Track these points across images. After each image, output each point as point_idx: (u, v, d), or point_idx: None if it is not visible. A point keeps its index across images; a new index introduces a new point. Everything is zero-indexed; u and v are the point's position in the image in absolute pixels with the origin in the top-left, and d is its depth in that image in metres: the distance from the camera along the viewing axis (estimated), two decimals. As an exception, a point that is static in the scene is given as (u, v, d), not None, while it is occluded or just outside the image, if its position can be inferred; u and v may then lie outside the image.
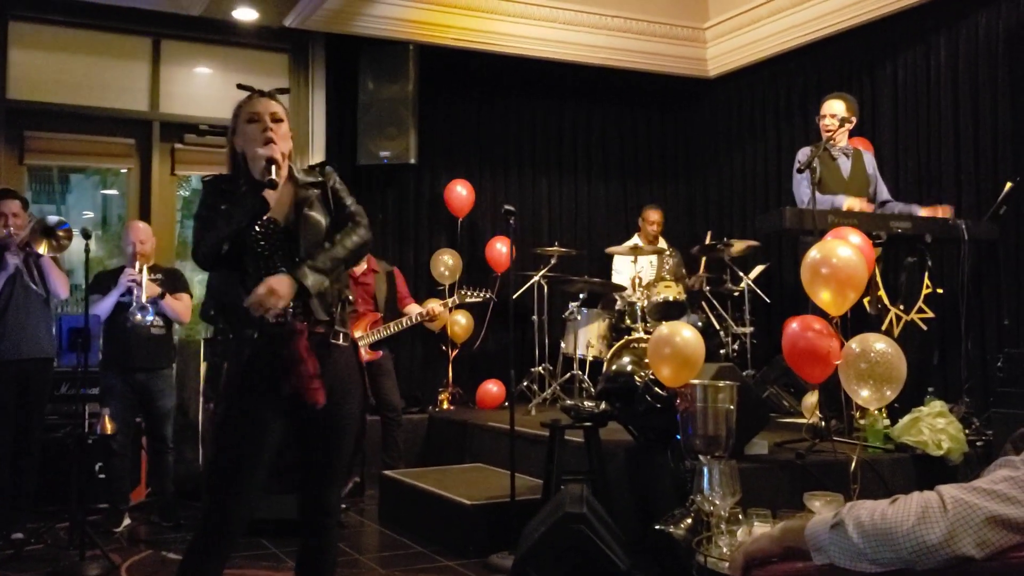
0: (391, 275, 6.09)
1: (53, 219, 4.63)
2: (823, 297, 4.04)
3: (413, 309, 6.00)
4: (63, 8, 6.27)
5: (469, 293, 6.14)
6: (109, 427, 4.75)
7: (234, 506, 2.45)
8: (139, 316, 4.86)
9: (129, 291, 4.93)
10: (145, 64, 6.67)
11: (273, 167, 2.52)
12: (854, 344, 3.89)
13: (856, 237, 4.39)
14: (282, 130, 2.62)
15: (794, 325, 4.15)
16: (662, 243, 7.21)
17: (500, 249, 7.19)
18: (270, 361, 2.46)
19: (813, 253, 4.05)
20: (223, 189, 2.61)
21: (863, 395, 3.85)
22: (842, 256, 3.98)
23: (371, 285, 5.94)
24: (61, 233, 4.57)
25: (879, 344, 3.84)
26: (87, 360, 4.54)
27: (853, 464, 3.82)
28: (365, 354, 5.66)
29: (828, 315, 4.12)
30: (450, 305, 6.08)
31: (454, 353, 7.03)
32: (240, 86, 2.72)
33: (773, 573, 1.47)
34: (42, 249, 4.53)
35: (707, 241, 6.59)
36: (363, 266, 5.95)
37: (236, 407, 2.48)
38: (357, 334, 5.67)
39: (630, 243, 7.13)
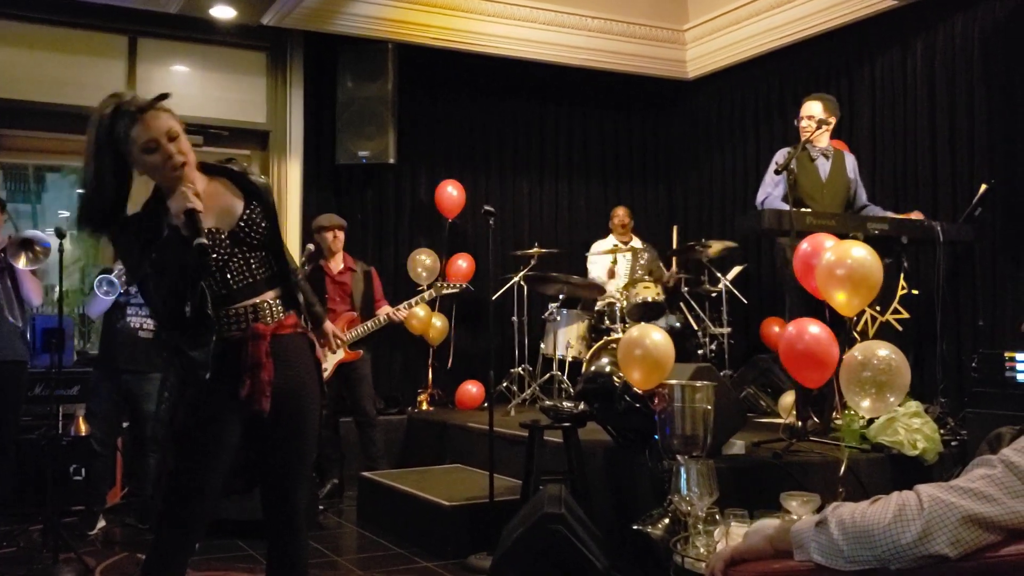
0: (368, 274, 6.06)
1: (30, 233, 4.59)
2: (838, 298, 4.00)
3: (385, 311, 5.95)
4: (39, 5, 6.20)
5: (446, 285, 6.12)
6: (83, 428, 4.70)
7: (196, 510, 2.42)
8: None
9: (125, 292, 4.89)
10: (121, 62, 6.61)
11: (197, 217, 2.28)
12: (856, 352, 3.84)
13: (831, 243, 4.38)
14: (183, 144, 2.37)
15: (791, 328, 4.07)
16: (636, 241, 7.24)
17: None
18: (230, 363, 2.42)
19: (828, 256, 4.03)
20: (143, 238, 2.35)
21: (864, 406, 3.80)
22: (857, 256, 3.97)
23: (348, 284, 5.91)
24: (39, 249, 4.52)
25: (882, 351, 3.79)
26: (61, 361, 4.49)
27: (843, 468, 3.82)
28: (344, 354, 5.63)
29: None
30: (426, 298, 6.05)
31: (433, 353, 7.01)
32: (114, 109, 2.34)
33: (749, 572, 1.47)
34: (20, 263, 4.49)
35: (675, 240, 6.64)
36: (340, 264, 5.92)
37: (197, 410, 2.43)
38: None
39: (607, 243, 7.16)
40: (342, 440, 5.89)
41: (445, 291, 6.12)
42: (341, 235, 5.95)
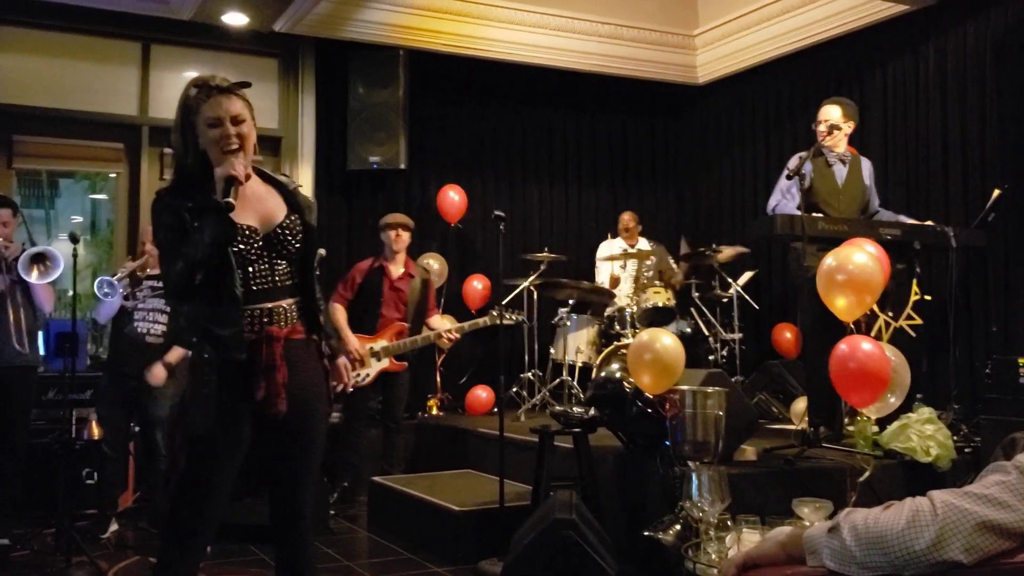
0: (426, 283, 5.89)
1: (43, 249, 4.62)
2: (839, 304, 3.98)
3: (436, 322, 5.86)
4: (53, 12, 6.24)
5: (504, 315, 5.92)
6: (96, 432, 4.72)
7: (206, 513, 2.43)
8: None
9: (131, 296, 4.93)
10: (134, 68, 6.65)
11: (232, 188, 2.38)
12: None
13: (872, 247, 4.36)
14: (245, 129, 2.49)
15: (843, 346, 3.95)
16: (643, 243, 7.21)
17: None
18: (244, 366, 2.44)
19: (829, 260, 4.01)
20: (184, 205, 2.44)
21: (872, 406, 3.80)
22: (858, 262, 3.95)
23: (404, 292, 5.75)
24: (50, 263, 4.56)
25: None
26: (75, 365, 4.52)
27: (867, 475, 3.81)
28: (388, 363, 5.62)
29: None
30: (480, 325, 5.84)
31: (441, 359, 7.00)
32: (196, 82, 2.51)
33: (762, 578, 1.47)
34: (32, 277, 4.52)
35: (683, 248, 6.61)
36: (400, 268, 5.78)
37: (210, 412, 2.44)
38: (381, 343, 5.64)
39: (614, 245, 7.15)
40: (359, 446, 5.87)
41: (504, 321, 5.83)
42: (405, 235, 5.76)
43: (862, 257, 3.96)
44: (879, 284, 3.96)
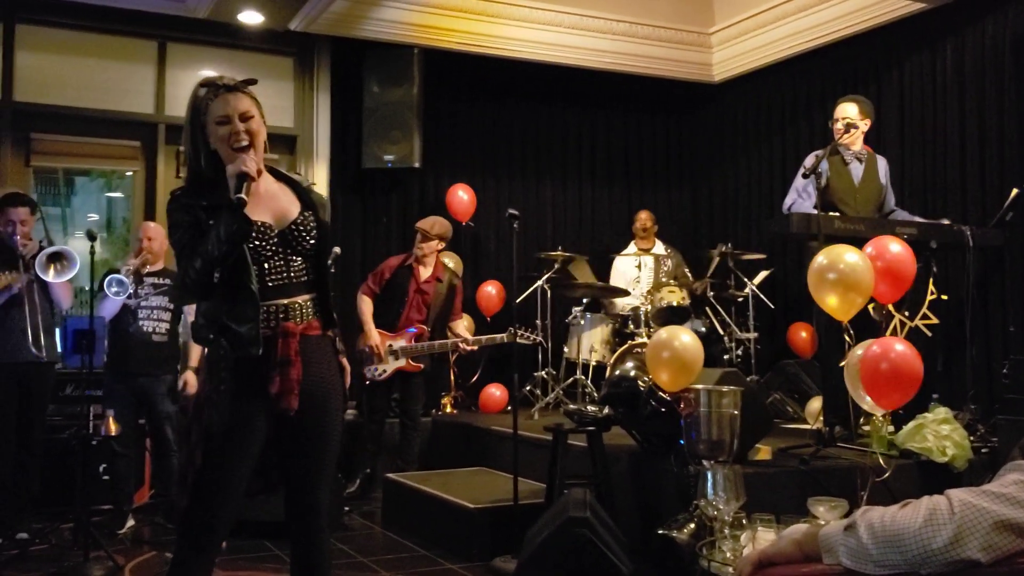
0: (452, 288, 5.88)
1: (60, 248, 4.66)
2: (830, 303, 3.99)
3: (459, 327, 5.88)
4: (70, 11, 6.29)
5: (522, 334, 5.84)
6: (113, 428, 4.76)
7: (222, 510, 2.44)
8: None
9: (133, 294, 4.97)
10: (151, 67, 6.68)
11: (245, 184, 2.39)
12: (859, 351, 3.86)
13: (897, 245, 4.33)
14: (254, 126, 2.49)
15: (875, 347, 3.85)
16: (659, 246, 7.20)
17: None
18: (259, 362, 2.45)
19: (820, 259, 4.01)
20: (199, 204, 2.45)
21: (869, 402, 3.80)
22: (849, 261, 3.95)
23: (429, 295, 5.77)
24: (67, 262, 4.59)
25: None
26: (92, 362, 4.55)
27: (887, 474, 3.80)
28: (405, 363, 5.66)
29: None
30: (497, 341, 5.83)
31: (455, 357, 7.00)
32: (204, 83, 2.52)
33: (778, 575, 1.46)
34: (49, 276, 4.55)
35: (712, 265, 6.53)
36: (429, 271, 5.81)
37: (226, 409, 2.46)
38: (400, 342, 5.67)
39: (630, 249, 7.13)
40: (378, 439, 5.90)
41: (519, 340, 5.61)
42: (424, 244, 5.78)
43: (853, 256, 3.96)
44: (870, 284, 3.96)
